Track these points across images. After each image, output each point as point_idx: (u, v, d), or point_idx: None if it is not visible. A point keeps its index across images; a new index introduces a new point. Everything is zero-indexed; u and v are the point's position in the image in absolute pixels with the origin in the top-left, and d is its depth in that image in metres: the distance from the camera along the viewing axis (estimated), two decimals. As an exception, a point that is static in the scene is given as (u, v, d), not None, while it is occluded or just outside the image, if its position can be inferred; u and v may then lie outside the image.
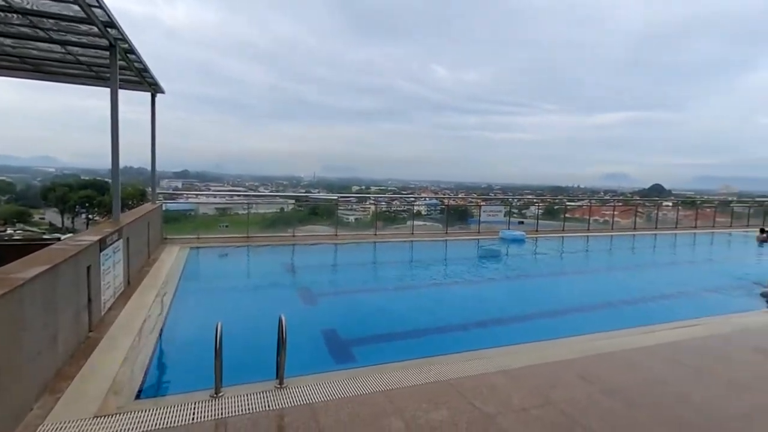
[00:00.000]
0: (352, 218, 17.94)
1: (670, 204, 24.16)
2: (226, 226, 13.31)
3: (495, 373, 3.83)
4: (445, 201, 18.77)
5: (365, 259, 11.52)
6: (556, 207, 19.81)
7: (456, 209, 18.80)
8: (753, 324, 5.54)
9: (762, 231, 16.73)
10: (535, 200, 21.30)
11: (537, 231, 15.51)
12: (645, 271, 11.35)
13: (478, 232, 14.57)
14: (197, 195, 21.45)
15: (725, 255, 14.78)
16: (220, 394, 3.27)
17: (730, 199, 28.26)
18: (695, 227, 19.49)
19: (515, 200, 25.45)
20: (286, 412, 3.06)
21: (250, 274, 9.49)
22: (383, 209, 18.94)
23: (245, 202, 13.15)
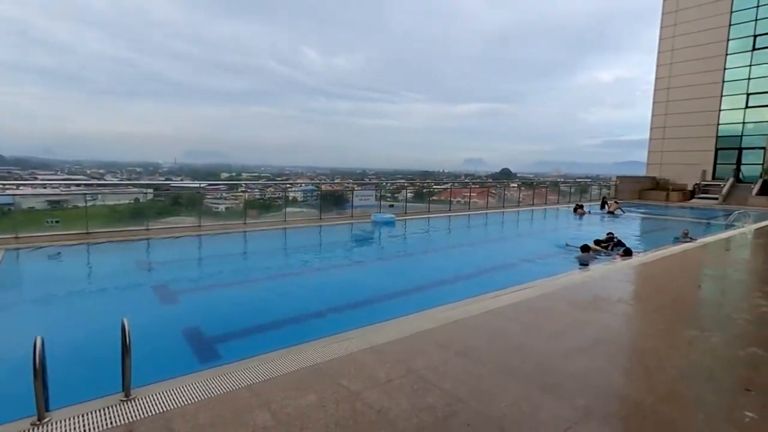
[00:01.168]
0: (222, 207, 16.79)
1: (515, 185, 27.80)
2: (57, 222, 11.23)
3: (363, 351, 3.98)
4: (321, 187, 18.71)
5: (233, 250, 10.90)
6: (424, 190, 21.22)
7: (332, 195, 18.89)
8: (570, 282, 6.76)
9: (576, 206, 20.42)
10: (405, 184, 22.49)
11: (406, 213, 16.48)
12: (493, 245, 12.99)
13: (352, 216, 14.90)
14: (18, 186, 17.65)
15: (553, 226, 17.66)
16: (46, 420, 2.77)
17: (559, 180, 33.65)
18: (533, 204, 22.87)
19: (388, 184, 26.53)
20: (135, 427, 2.73)
21: (91, 276, 8.21)
22: (257, 197, 18.10)
23: (86, 192, 11.25)
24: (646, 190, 29.18)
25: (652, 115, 32.43)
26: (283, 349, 4.07)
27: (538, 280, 6.72)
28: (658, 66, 32.02)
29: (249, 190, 16.98)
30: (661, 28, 31.70)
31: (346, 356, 3.86)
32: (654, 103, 32.29)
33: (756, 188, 24.74)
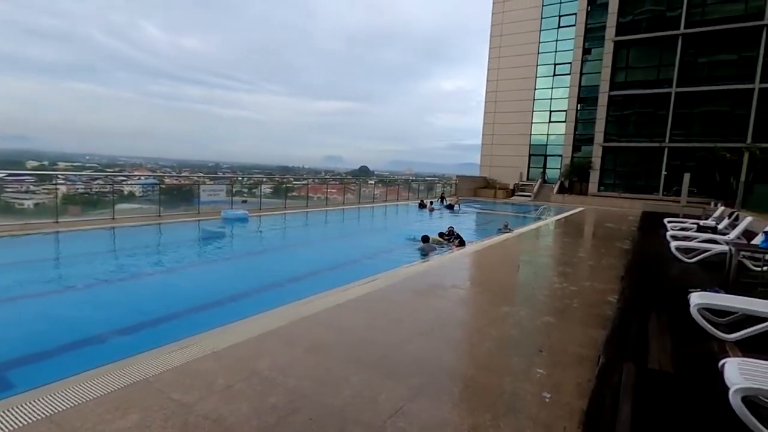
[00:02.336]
0: (28, 203, 13.69)
1: (373, 182, 29.10)
2: None
3: (202, 358, 3.67)
4: (165, 180, 16.72)
5: (40, 256, 8.99)
6: (283, 186, 20.70)
7: (178, 189, 17.07)
8: (413, 272, 7.37)
9: (421, 202, 22.41)
10: (263, 179, 21.55)
11: (261, 209, 15.83)
12: (348, 239, 13.39)
13: (198, 213, 13.68)
14: None
15: (404, 221, 19.05)
16: None
17: (411, 178, 36.28)
18: (385, 201, 24.25)
19: (244, 179, 25.09)
20: None
21: None
22: (80, 191, 15.28)
23: None
24: (479, 188, 33.60)
25: (484, 123, 37.53)
26: (103, 366, 3.51)
27: (385, 272, 7.15)
28: (487, 81, 37.11)
29: (68, 183, 14.19)
30: (490, 48, 36.80)
31: (182, 366, 3.51)
32: (485, 113, 37.38)
33: (556, 187, 30.68)
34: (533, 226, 15.86)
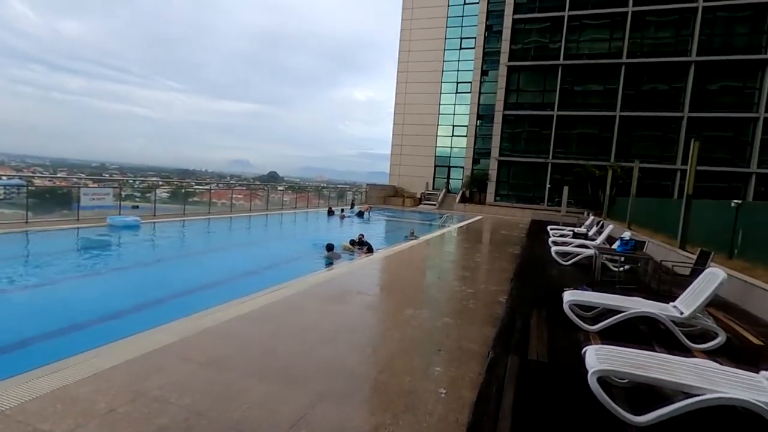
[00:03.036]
0: None
1: (282, 189, 28.35)
2: None
3: (79, 381, 3.28)
4: (34, 181, 14.55)
5: None
6: (183, 191, 19.28)
7: (52, 192, 14.99)
8: (320, 280, 7.36)
9: (330, 210, 22.43)
10: (160, 183, 19.81)
11: (155, 216, 14.54)
12: (254, 247, 12.89)
13: (78, 219, 12.14)
14: None
15: (314, 228, 18.87)
16: None
17: (322, 185, 36.05)
18: (295, 208, 23.80)
19: (137, 182, 22.86)
20: None
21: None
22: None
23: None
24: (389, 196, 34.58)
25: (393, 134, 38.84)
26: (-56, 403, 2.95)
27: (291, 280, 7.04)
28: (396, 93, 38.54)
29: None
30: (399, 63, 38.33)
31: (54, 392, 3.10)
32: (394, 124, 38.72)
33: (458, 197, 32.81)
34: (437, 233, 16.77)
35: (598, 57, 28.06)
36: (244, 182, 37.91)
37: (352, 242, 12.22)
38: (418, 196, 35.49)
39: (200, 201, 19.84)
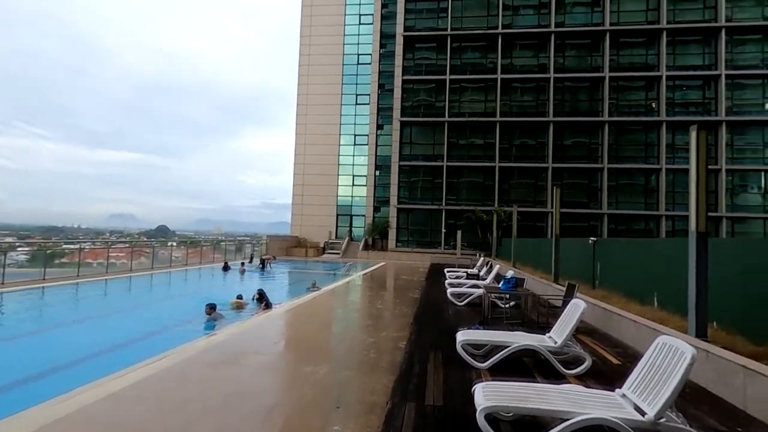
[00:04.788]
0: None
1: (173, 244, 26.04)
2: None
3: None
4: None
5: None
6: (47, 251, 16.66)
7: None
8: (210, 344, 6.73)
9: (225, 265, 21.12)
10: (15, 243, 16.91)
11: (3, 283, 12.26)
12: (131, 313, 11.44)
13: None
14: None
15: (208, 285, 17.47)
16: None
17: (220, 238, 33.87)
18: (186, 264, 21.91)
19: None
20: None
21: None
22: None
23: None
24: (291, 247, 33.72)
25: (293, 184, 38.63)
26: None
27: (175, 348, 6.33)
28: (296, 144, 38.83)
29: None
30: (297, 115, 39.00)
31: None
32: (294, 174, 38.65)
33: (361, 245, 33.27)
34: (341, 282, 16.65)
35: (477, 115, 31.71)
36: (126, 238, 34.13)
37: (239, 297, 11.53)
38: (322, 245, 35.22)
39: (70, 262, 17.27)
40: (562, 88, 30.93)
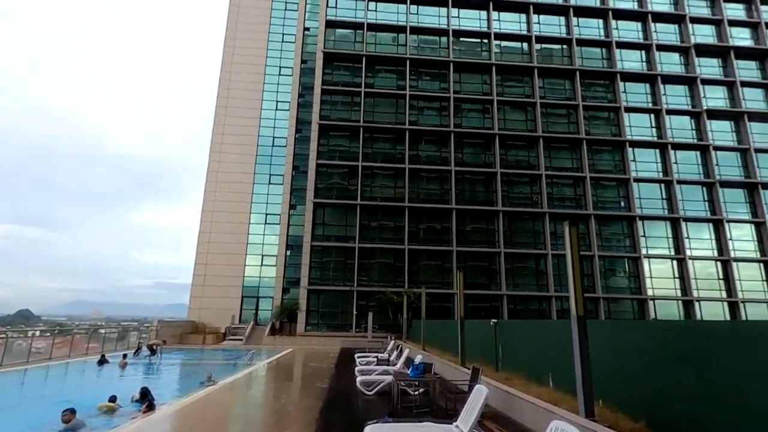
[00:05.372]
0: None
1: (37, 332, 22.06)
2: None
3: None
4: None
5: None
6: None
7: None
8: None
9: (101, 359, 18.26)
10: None
11: None
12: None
13: None
14: None
15: (77, 385, 14.71)
16: None
17: (99, 323, 29.40)
18: (50, 358, 18.46)
19: None
20: None
21: None
22: None
23: None
24: (186, 333, 30.33)
25: (195, 263, 35.93)
26: None
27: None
28: (202, 222, 36.89)
29: None
30: (206, 191, 37.63)
31: None
32: (197, 253, 36.16)
33: (267, 329, 31.13)
34: (242, 373, 15.15)
35: (387, 200, 33.42)
36: (-28, 328, 28.20)
37: (114, 399, 9.90)
38: (223, 331, 32.28)
39: None
40: (462, 179, 34.31)
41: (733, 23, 38.71)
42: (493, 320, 10.68)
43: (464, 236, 33.01)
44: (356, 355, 15.04)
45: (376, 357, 14.66)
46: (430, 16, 37.46)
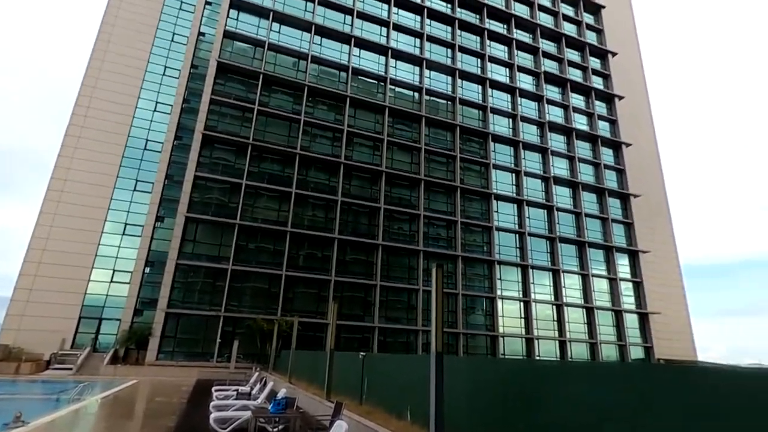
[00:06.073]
0: None
1: None
2: None
3: None
4: None
5: None
6: None
7: None
8: None
9: None
10: None
11: None
12: None
13: None
14: None
15: None
16: None
17: None
18: None
19: None
20: None
21: None
22: None
23: None
24: (-7, 361, 24.47)
25: (20, 274, 29.67)
26: None
27: None
28: (38, 224, 30.93)
29: None
30: (49, 190, 31.87)
31: None
32: (25, 262, 29.97)
33: (108, 357, 26.78)
34: (65, 410, 12.68)
35: (269, 222, 32.24)
36: None
37: None
38: (47, 358, 26.85)
39: None
40: (348, 210, 34.94)
41: (576, 110, 47.63)
42: (362, 353, 10.82)
43: (344, 266, 33.29)
44: (214, 389, 13.77)
45: (236, 390, 13.62)
46: (332, 50, 38.55)
